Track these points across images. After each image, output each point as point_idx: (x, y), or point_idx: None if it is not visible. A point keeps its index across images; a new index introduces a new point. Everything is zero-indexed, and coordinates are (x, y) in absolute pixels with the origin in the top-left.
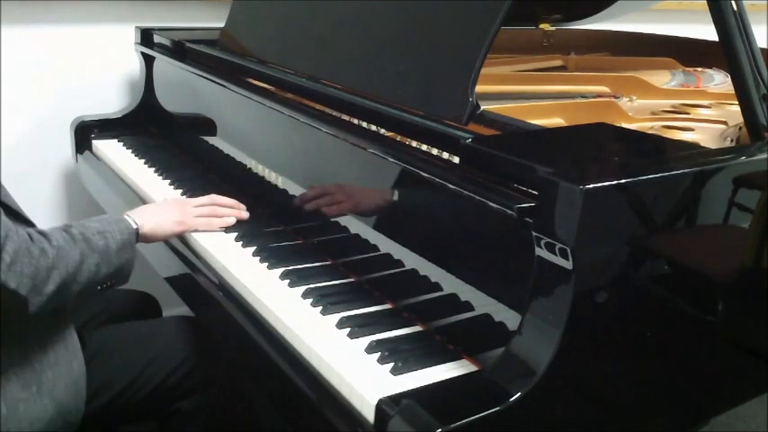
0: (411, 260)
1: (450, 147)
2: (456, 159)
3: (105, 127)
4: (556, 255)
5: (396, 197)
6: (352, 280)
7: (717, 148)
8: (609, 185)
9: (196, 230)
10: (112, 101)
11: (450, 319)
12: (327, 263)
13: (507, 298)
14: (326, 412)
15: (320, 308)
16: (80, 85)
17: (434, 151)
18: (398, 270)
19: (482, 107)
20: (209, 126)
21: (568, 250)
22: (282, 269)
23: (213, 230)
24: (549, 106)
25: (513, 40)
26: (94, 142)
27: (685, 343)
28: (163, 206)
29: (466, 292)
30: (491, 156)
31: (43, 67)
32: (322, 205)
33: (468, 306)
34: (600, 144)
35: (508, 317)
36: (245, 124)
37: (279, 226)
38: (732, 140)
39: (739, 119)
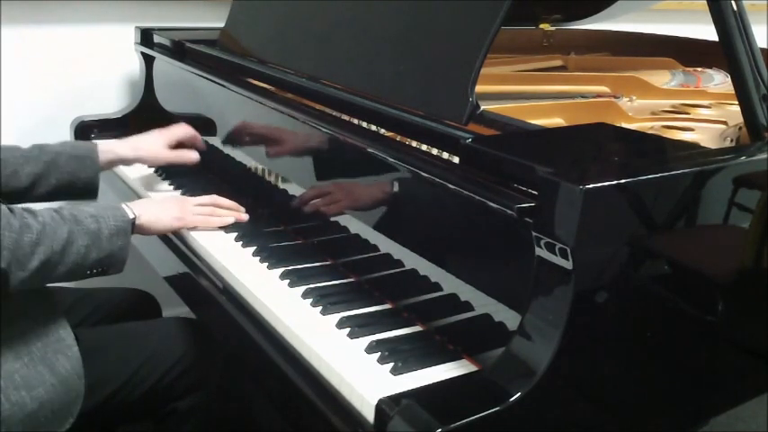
0: (411, 260)
1: (450, 147)
2: (456, 159)
3: (105, 127)
4: (556, 255)
5: (396, 197)
6: (352, 280)
7: (717, 148)
8: (609, 185)
9: (194, 228)
10: (112, 101)
11: (450, 319)
12: (327, 263)
13: (507, 298)
14: (326, 412)
15: (320, 308)
16: (80, 85)
17: (434, 151)
18: (398, 270)
19: (482, 107)
20: (209, 126)
21: (568, 250)
22: (282, 269)
23: (210, 228)
24: (549, 106)
25: (513, 40)
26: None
27: (685, 343)
28: (163, 201)
29: (466, 292)
30: (491, 156)
31: (43, 67)
32: (322, 205)
33: (468, 306)
34: (600, 144)
35: (508, 317)
36: (246, 124)
37: (279, 226)
38: (732, 140)
39: (739, 119)
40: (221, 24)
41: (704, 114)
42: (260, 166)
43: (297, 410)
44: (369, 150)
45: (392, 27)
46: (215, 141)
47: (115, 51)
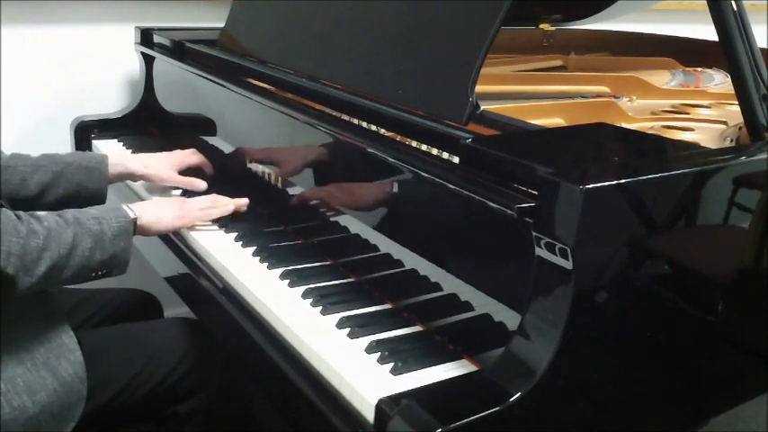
0: (411, 260)
1: (450, 147)
2: (456, 159)
3: (105, 127)
4: (556, 255)
5: (395, 197)
6: (352, 280)
7: (717, 148)
8: (609, 185)
9: (195, 223)
10: (112, 101)
11: (450, 319)
12: (327, 263)
13: (507, 298)
14: (326, 412)
15: (320, 308)
16: (80, 85)
17: (434, 151)
18: (398, 270)
19: (482, 107)
20: (209, 126)
21: (568, 250)
22: (282, 269)
23: (212, 217)
24: (549, 106)
25: (513, 40)
26: (94, 142)
27: (685, 343)
28: (163, 202)
29: (466, 292)
30: (491, 156)
31: (43, 67)
32: (321, 205)
33: (468, 306)
34: (600, 144)
35: (508, 317)
36: (245, 124)
37: (279, 226)
38: (732, 140)
39: (739, 119)
40: (221, 24)
41: (704, 114)
42: (260, 166)
43: (297, 411)
44: (369, 150)
45: (392, 27)
46: (215, 141)
47: (115, 51)
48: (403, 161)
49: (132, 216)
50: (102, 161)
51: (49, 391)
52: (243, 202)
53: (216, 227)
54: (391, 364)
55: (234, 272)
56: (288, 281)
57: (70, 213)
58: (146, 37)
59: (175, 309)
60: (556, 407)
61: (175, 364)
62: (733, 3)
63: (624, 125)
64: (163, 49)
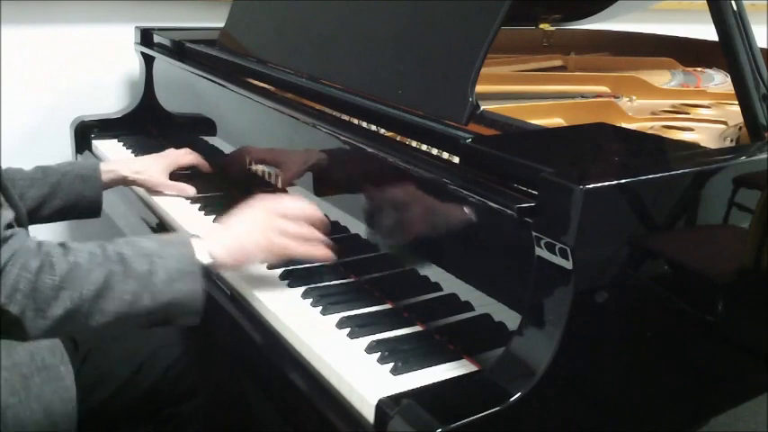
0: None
1: (450, 147)
2: (456, 159)
3: (105, 127)
4: (556, 255)
5: (395, 197)
6: (352, 280)
7: (717, 148)
8: (609, 185)
9: (283, 252)
10: (112, 101)
11: (450, 319)
12: (327, 263)
13: (507, 298)
14: (326, 412)
15: (320, 308)
16: (80, 85)
17: (434, 151)
18: (398, 270)
19: (482, 107)
20: (209, 126)
21: (568, 250)
22: (282, 269)
23: (315, 256)
24: (549, 106)
25: (513, 40)
26: (94, 142)
27: (685, 343)
28: (251, 224)
29: (466, 292)
30: (491, 156)
31: (43, 67)
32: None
33: (468, 306)
34: (600, 144)
35: (508, 317)
36: (245, 124)
37: None
38: (732, 140)
39: (739, 119)
40: (221, 24)
41: (704, 114)
42: (260, 167)
43: (297, 411)
44: (369, 150)
45: (392, 27)
46: (215, 141)
47: (115, 51)
48: (403, 161)
49: (204, 258)
50: (96, 168)
51: (38, 423)
52: (331, 258)
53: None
54: (391, 364)
55: (234, 272)
56: (288, 281)
57: (115, 247)
58: (146, 37)
59: None
60: (556, 407)
61: (174, 362)
62: (733, 3)
63: (624, 125)
64: (163, 49)
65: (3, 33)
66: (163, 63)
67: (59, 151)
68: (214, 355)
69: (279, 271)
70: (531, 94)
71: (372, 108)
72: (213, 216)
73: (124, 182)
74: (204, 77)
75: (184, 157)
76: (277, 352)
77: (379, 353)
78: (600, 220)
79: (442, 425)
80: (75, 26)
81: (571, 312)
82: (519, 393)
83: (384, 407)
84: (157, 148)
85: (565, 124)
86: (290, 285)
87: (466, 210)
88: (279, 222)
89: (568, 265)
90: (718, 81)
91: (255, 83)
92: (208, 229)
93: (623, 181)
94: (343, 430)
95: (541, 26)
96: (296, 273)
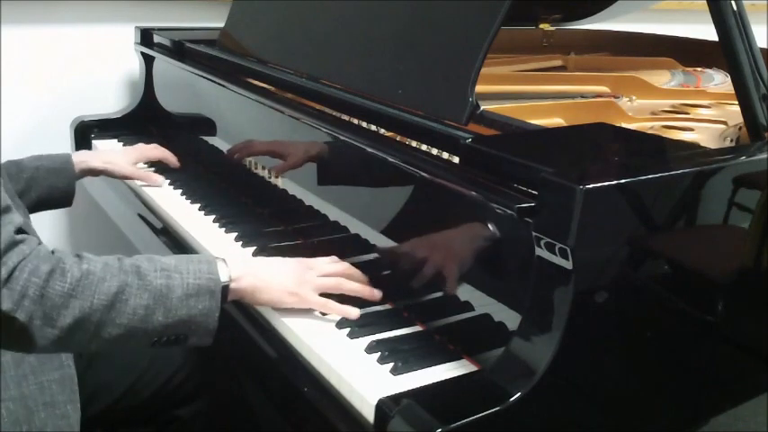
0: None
1: (450, 147)
2: (456, 159)
3: (105, 127)
4: (556, 255)
5: (395, 197)
6: None
7: (717, 148)
8: (609, 185)
9: (308, 306)
10: (112, 101)
11: (450, 319)
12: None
13: (507, 298)
14: (326, 413)
15: None
16: (80, 85)
17: (434, 151)
18: (398, 270)
19: (482, 107)
20: (209, 126)
21: (568, 250)
22: None
23: (330, 312)
24: (549, 106)
25: (513, 40)
26: (94, 142)
27: (685, 343)
28: (282, 264)
29: (466, 292)
30: (491, 156)
31: (43, 67)
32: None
33: (468, 306)
34: (600, 144)
35: (508, 317)
36: (245, 124)
37: (279, 226)
38: (732, 140)
39: (739, 119)
40: (221, 24)
41: (704, 114)
42: (260, 166)
43: (297, 411)
44: (369, 150)
45: (392, 27)
46: (215, 141)
47: (115, 51)
48: (403, 161)
49: (224, 277)
50: (68, 160)
51: None
52: (377, 296)
53: (215, 224)
54: (391, 364)
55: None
56: None
57: (133, 259)
58: (146, 37)
59: None
60: (556, 407)
61: (177, 367)
62: (733, 3)
63: (624, 125)
64: (163, 49)
65: (3, 33)
66: (163, 63)
67: (59, 151)
68: (216, 359)
69: None
70: (531, 94)
71: (372, 108)
72: (213, 216)
73: (93, 172)
74: (204, 77)
75: (152, 151)
76: (277, 352)
77: (379, 353)
78: (600, 220)
79: (442, 425)
80: (75, 26)
81: (571, 312)
82: (519, 393)
83: (384, 407)
84: None
85: (565, 124)
86: None
87: (466, 210)
88: (311, 276)
89: (568, 265)
90: (718, 81)
91: (255, 83)
92: (238, 257)
93: (623, 181)
94: (344, 430)
95: (541, 26)
96: None
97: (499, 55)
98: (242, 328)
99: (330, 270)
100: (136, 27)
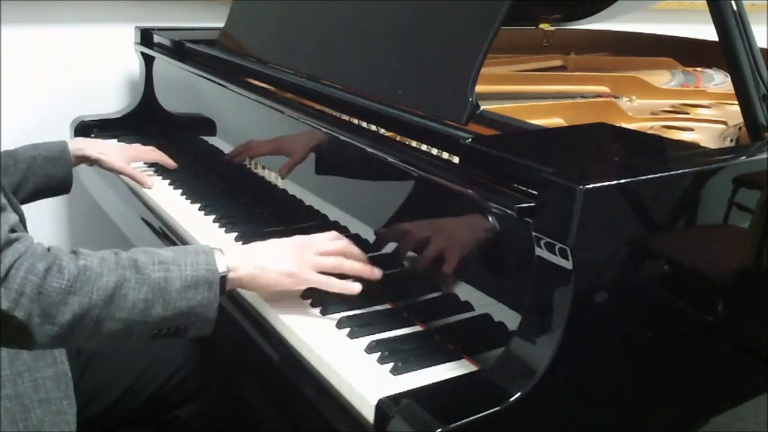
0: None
1: (450, 147)
2: (456, 159)
3: (105, 127)
4: (556, 255)
5: (395, 197)
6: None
7: (717, 148)
8: (609, 185)
9: (307, 285)
10: (112, 101)
11: (450, 319)
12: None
13: (507, 298)
14: (326, 412)
15: (320, 308)
16: (80, 85)
17: (434, 151)
18: (398, 270)
19: (482, 107)
20: (209, 126)
21: (568, 250)
22: None
23: (332, 289)
24: (549, 106)
25: (513, 40)
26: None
27: (685, 343)
28: (279, 247)
29: (466, 292)
30: (491, 156)
31: (43, 67)
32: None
33: (468, 306)
34: (600, 144)
35: (508, 317)
36: (245, 124)
37: (279, 226)
38: (732, 140)
39: (739, 119)
40: (221, 24)
41: (704, 114)
42: (260, 166)
43: (297, 412)
44: (369, 150)
45: (392, 27)
46: (215, 141)
47: (115, 51)
48: (403, 161)
49: (222, 268)
50: (64, 148)
51: None
52: (376, 275)
53: (215, 224)
54: (391, 364)
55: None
56: None
57: (129, 253)
58: (146, 37)
59: None
60: (556, 407)
61: (177, 367)
62: (733, 3)
63: (624, 125)
64: (163, 49)
65: (3, 33)
66: (163, 63)
67: None
68: (216, 359)
69: None
70: (531, 94)
71: (372, 108)
72: (213, 216)
73: (87, 160)
74: (204, 77)
75: (149, 153)
76: (277, 352)
77: (379, 353)
78: (600, 220)
79: (442, 425)
80: (75, 26)
81: (571, 312)
82: (519, 393)
83: (384, 407)
84: (158, 147)
85: (565, 124)
86: None
87: (465, 210)
88: (309, 255)
89: (568, 265)
90: (718, 81)
91: (255, 83)
92: (232, 246)
93: (623, 181)
94: (344, 430)
95: (541, 26)
96: None
97: (499, 55)
98: (242, 328)
99: (329, 248)
100: (136, 27)
